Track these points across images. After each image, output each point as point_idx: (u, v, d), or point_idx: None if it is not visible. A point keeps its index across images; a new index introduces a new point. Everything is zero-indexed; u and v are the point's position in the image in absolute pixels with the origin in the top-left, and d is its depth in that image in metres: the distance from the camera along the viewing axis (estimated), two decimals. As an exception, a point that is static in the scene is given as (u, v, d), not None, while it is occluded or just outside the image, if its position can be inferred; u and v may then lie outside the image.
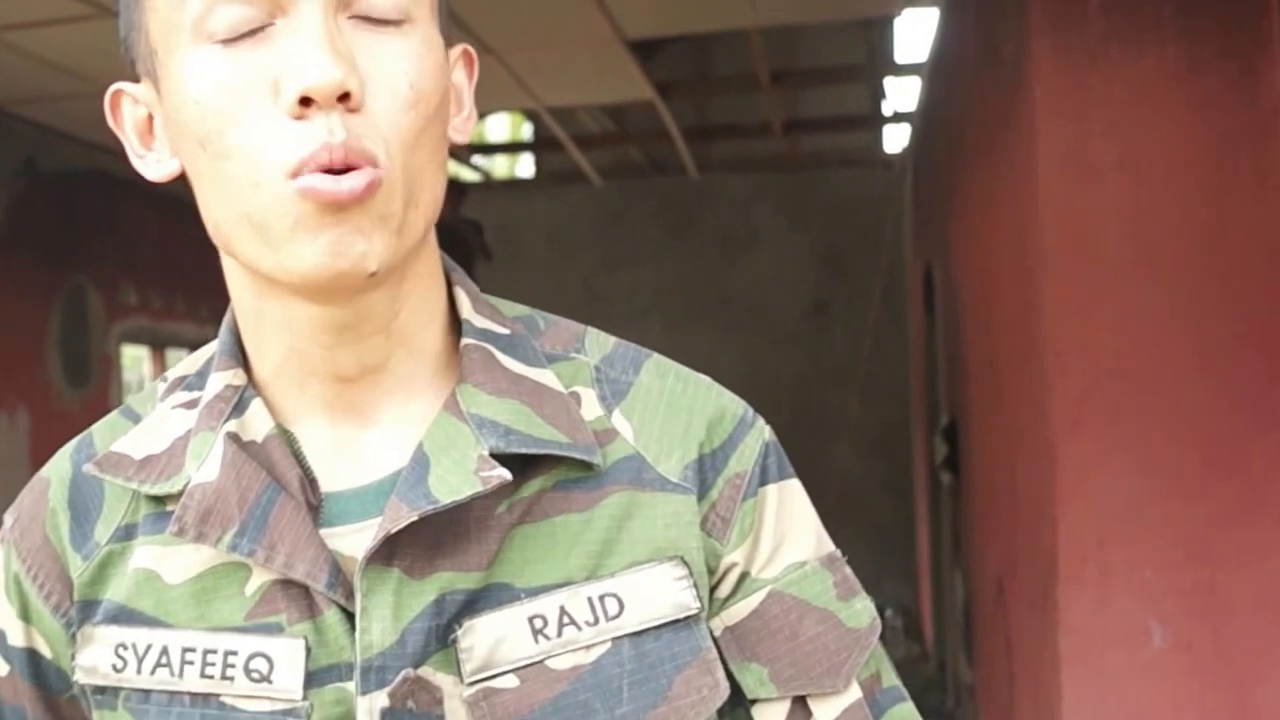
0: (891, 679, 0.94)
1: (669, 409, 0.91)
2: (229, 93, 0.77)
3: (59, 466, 0.93)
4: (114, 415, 0.95)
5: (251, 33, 0.77)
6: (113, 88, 0.88)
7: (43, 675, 0.91)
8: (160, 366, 8.21)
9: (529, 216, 9.40)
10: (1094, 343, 3.03)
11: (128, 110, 0.88)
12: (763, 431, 0.94)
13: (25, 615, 0.91)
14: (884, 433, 8.75)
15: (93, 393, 7.11)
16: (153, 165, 0.86)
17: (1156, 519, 2.99)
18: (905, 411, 8.55)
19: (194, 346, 7.91)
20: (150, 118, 0.86)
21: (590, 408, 0.90)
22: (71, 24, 4.97)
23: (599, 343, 0.96)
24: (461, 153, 8.38)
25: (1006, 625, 4.12)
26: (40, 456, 6.39)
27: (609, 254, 9.29)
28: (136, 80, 0.87)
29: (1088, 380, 3.04)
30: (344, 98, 0.76)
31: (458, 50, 0.91)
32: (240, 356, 0.90)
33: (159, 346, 8.14)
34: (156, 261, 7.47)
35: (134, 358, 8.85)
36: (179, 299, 7.81)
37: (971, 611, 5.32)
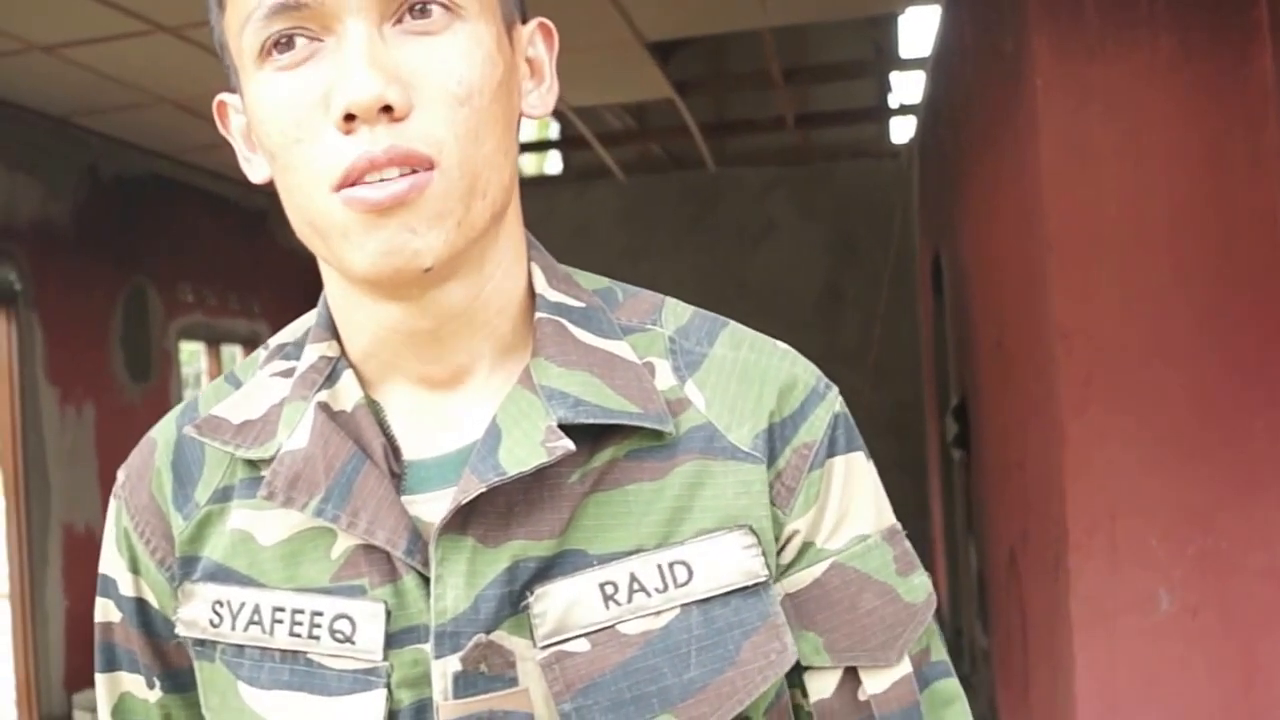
0: (941, 653, 0.93)
1: (742, 379, 0.89)
2: (288, 111, 0.79)
3: (165, 429, 0.95)
4: (219, 381, 0.96)
5: (302, 53, 0.79)
6: (218, 98, 0.90)
7: (150, 623, 0.93)
8: (215, 361, 8.31)
9: (557, 211, 9.41)
10: (1099, 322, 3.03)
11: (233, 117, 0.90)
12: (834, 403, 0.92)
13: (134, 568, 0.93)
14: (897, 413, 8.74)
15: (154, 386, 7.19)
16: (256, 169, 0.88)
17: (1163, 490, 2.99)
18: (917, 392, 8.54)
19: (247, 342, 8.08)
20: (249, 125, 0.88)
21: (664, 378, 0.89)
22: (129, 40, 5.05)
23: (675, 314, 0.94)
24: None
25: (1020, 594, 4.12)
26: (106, 448, 6.52)
27: (632, 245, 9.29)
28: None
29: (1093, 358, 3.03)
30: (386, 109, 0.76)
31: (533, 25, 0.90)
32: (334, 329, 0.91)
33: (214, 342, 8.21)
34: (211, 261, 7.56)
35: (191, 352, 8.93)
36: (232, 297, 7.87)
37: (985, 581, 5.31)
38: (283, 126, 0.79)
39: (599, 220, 9.34)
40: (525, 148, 9.85)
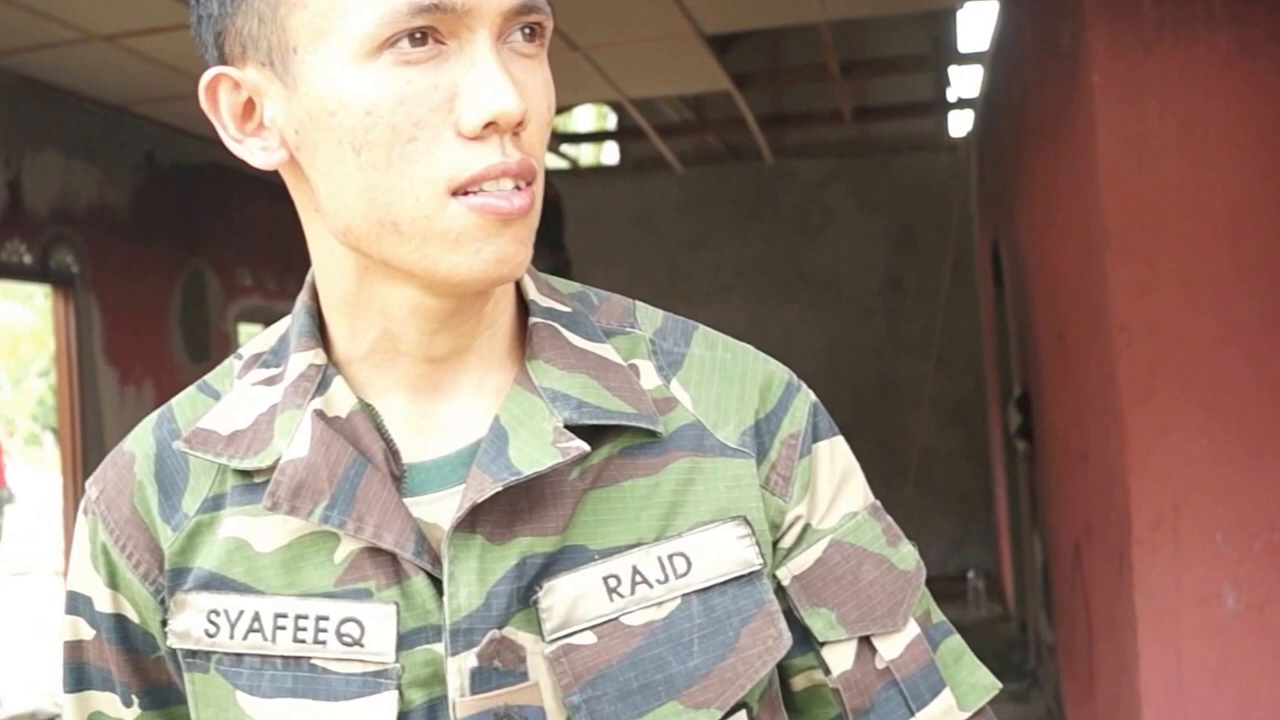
0: (939, 615, 0.95)
1: (722, 378, 0.92)
2: (403, 108, 0.77)
3: (142, 441, 0.92)
4: (192, 391, 0.95)
5: (429, 55, 0.77)
6: (214, 70, 0.85)
7: (130, 639, 0.91)
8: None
9: (615, 201, 9.42)
10: (1160, 315, 2.99)
11: (225, 94, 0.85)
12: (808, 395, 0.95)
13: (113, 583, 0.90)
14: (961, 403, 8.66)
15: (211, 368, 7.26)
16: (256, 152, 0.85)
17: (1227, 485, 2.94)
18: (980, 382, 8.46)
19: (305, 324, 8.23)
20: (250, 103, 0.84)
21: (649, 378, 0.90)
22: (186, 30, 5.08)
23: (649, 316, 0.95)
24: (550, 141, 8.43)
25: (1084, 588, 4.07)
26: (165, 426, 6.67)
27: (692, 235, 9.28)
28: (223, 63, 0.84)
29: (1154, 353, 2.99)
30: (519, 124, 0.78)
31: None
32: (319, 337, 0.90)
33: (274, 324, 8.31)
34: (268, 246, 7.65)
35: (251, 334, 9.09)
36: (290, 279, 7.97)
37: (1050, 574, 5.25)
38: (396, 121, 0.77)
39: (658, 210, 9.34)
40: (583, 138, 9.89)
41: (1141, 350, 3.01)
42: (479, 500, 0.81)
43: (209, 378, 0.96)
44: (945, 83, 8.24)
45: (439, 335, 0.86)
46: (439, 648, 0.82)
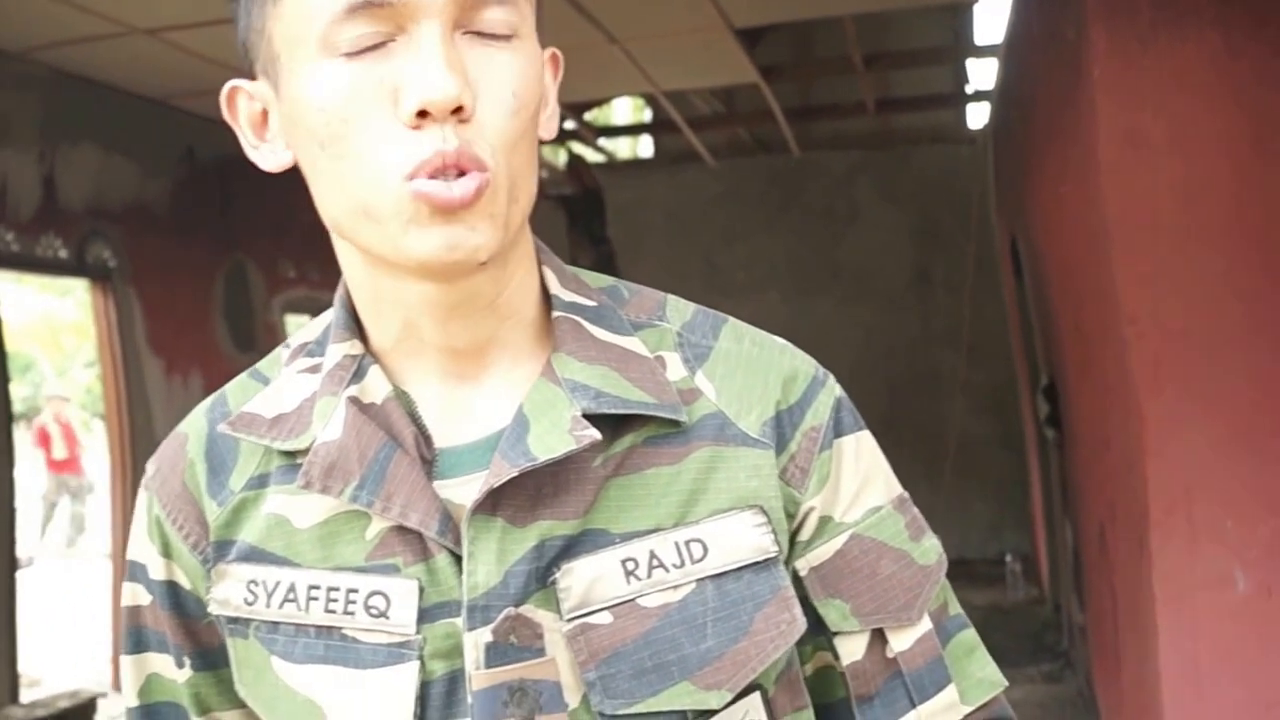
0: (956, 607, 0.96)
1: (747, 370, 0.93)
2: (351, 101, 0.81)
3: (195, 423, 0.97)
4: (244, 378, 0.99)
5: (373, 47, 0.80)
6: (229, 84, 0.91)
7: (181, 604, 0.95)
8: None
9: (650, 195, 9.43)
10: (1163, 308, 3.00)
11: (243, 104, 0.90)
12: (834, 389, 0.95)
13: (166, 552, 0.95)
14: (994, 391, 8.63)
15: (258, 356, 7.28)
16: (267, 156, 0.90)
17: (1236, 472, 2.96)
18: (1012, 371, 8.44)
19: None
20: (265, 112, 0.89)
21: (675, 370, 0.93)
22: (226, 24, 5.10)
23: (679, 310, 0.97)
24: (588, 136, 8.49)
25: (1109, 571, 4.09)
26: (212, 415, 6.73)
27: (724, 228, 9.27)
28: (252, 77, 0.90)
29: (1161, 344, 3.01)
30: (457, 110, 0.79)
31: (546, 53, 0.93)
32: (355, 329, 0.94)
33: (320, 314, 8.34)
34: (311, 237, 7.58)
35: (298, 325, 9.18)
36: (333, 270, 7.97)
37: (1080, 558, 5.26)
38: (344, 114, 0.81)
39: (692, 203, 9.35)
40: (620, 131, 9.90)
41: (1150, 342, 3.02)
42: (495, 484, 0.84)
43: (260, 365, 1.01)
44: (964, 75, 8.22)
45: (452, 325, 0.89)
46: (459, 622, 0.85)
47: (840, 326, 8.85)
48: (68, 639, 8.13)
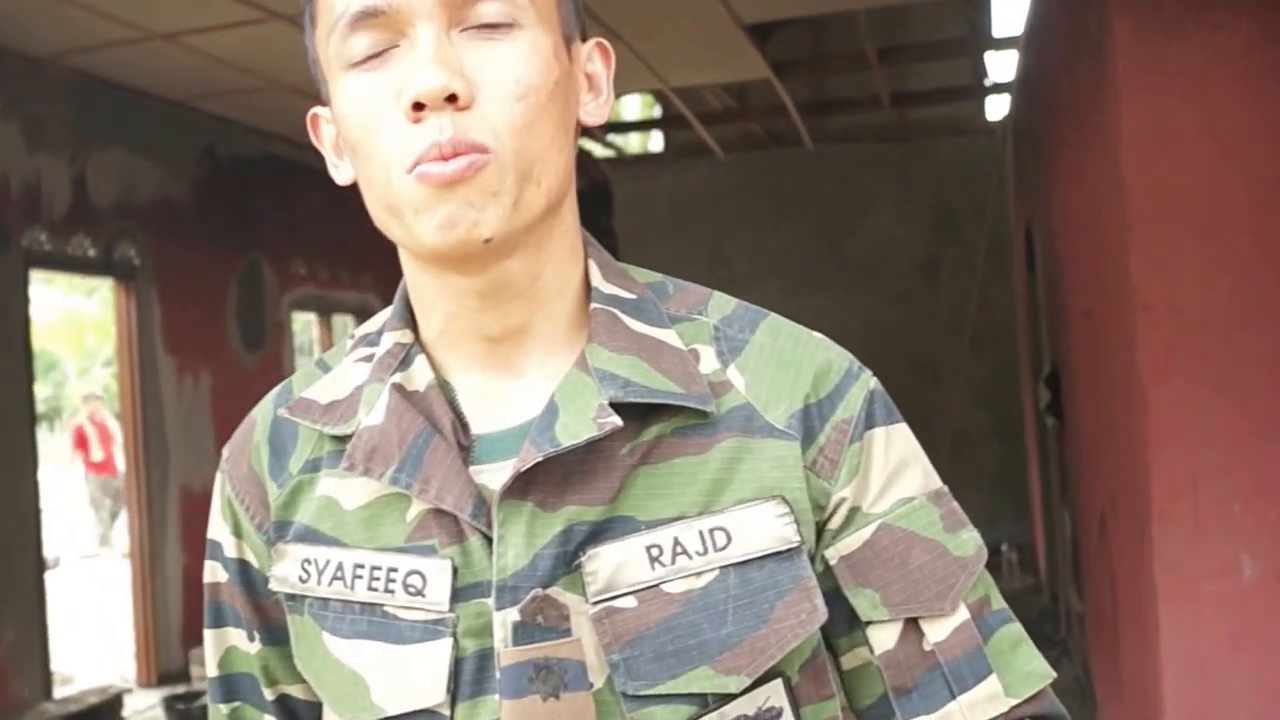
0: (1000, 603, 0.96)
1: (779, 364, 0.94)
2: (367, 108, 0.86)
3: (264, 409, 1.02)
4: (310, 366, 1.03)
5: (379, 55, 0.86)
6: (311, 111, 0.98)
7: (252, 582, 1.00)
8: (327, 330, 8.53)
9: (660, 188, 9.46)
10: (1179, 295, 3.01)
11: (325, 129, 0.97)
12: (868, 382, 0.96)
13: (237, 532, 1.00)
14: (995, 381, 8.66)
15: (267, 355, 7.39)
16: (341, 172, 0.95)
17: (1244, 458, 2.97)
18: (1014, 362, 8.46)
19: (357, 312, 8.26)
20: (338, 134, 0.94)
21: (708, 362, 0.94)
22: (244, 27, 5.21)
23: (720, 305, 0.99)
24: (597, 131, 8.49)
25: (1109, 559, 4.10)
26: (221, 413, 6.76)
27: (732, 221, 9.30)
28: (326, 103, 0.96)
29: (1174, 331, 3.02)
30: (451, 99, 0.83)
31: (591, 43, 0.97)
32: (409, 319, 0.97)
33: (325, 313, 8.42)
34: (323, 237, 7.71)
35: (304, 323, 9.18)
36: (343, 270, 8.05)
37: (1079, 547, 5.28)
38: (363, 119, 0.86)
39: (701, 196, 9.37)
40: (630, 126, 9.90)
41: (1162, 329, 3.03)
42: (522, 469, 0.86)
43: (326, 354, 1.04)
44: (982, 67, 8.19)
45: (485, 314, 0.91)
46: (490, 602, 0.88)
47: (841, 315, 8.86)
48: (97, 636, 8.23)
